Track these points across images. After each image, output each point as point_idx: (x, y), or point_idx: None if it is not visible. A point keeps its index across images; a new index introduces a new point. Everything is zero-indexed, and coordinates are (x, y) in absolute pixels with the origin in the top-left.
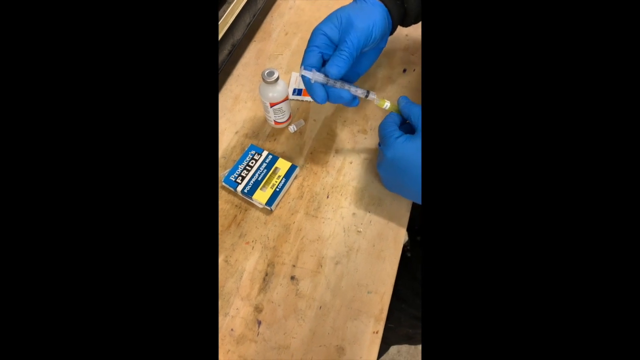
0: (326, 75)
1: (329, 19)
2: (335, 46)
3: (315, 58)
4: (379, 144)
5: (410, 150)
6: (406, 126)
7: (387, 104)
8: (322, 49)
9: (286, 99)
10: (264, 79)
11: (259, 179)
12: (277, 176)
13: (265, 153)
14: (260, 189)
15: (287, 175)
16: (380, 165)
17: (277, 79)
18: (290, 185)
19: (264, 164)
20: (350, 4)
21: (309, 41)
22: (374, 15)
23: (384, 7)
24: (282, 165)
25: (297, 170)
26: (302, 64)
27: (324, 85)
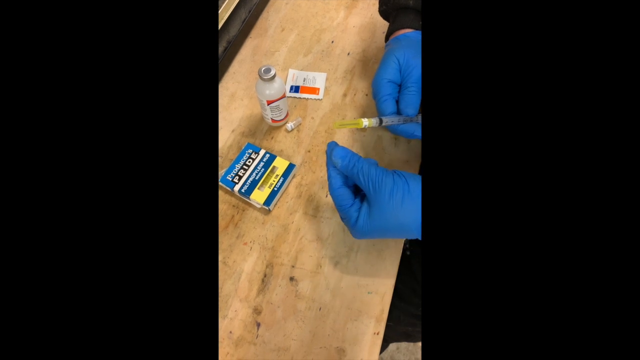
0: (400, 113)
1: (386, 64)
2: (399, 86)
3: (391, 105)
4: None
5: (376, 226)
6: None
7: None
8: (393, 95)
9: (283, 96)
10: (260, 77)
11: (257, 178)
12: (275, 175)
13: (262, 152)
14: (258, 188)
15: (285, 174)
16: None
17: (274, 76)
18: (289, 185)
19: (262, 163)
20: (395, 43)
21: (379, 91)
22: None
23: None
24: (280, 164)
25: (295, 169)
26: (379, 115)
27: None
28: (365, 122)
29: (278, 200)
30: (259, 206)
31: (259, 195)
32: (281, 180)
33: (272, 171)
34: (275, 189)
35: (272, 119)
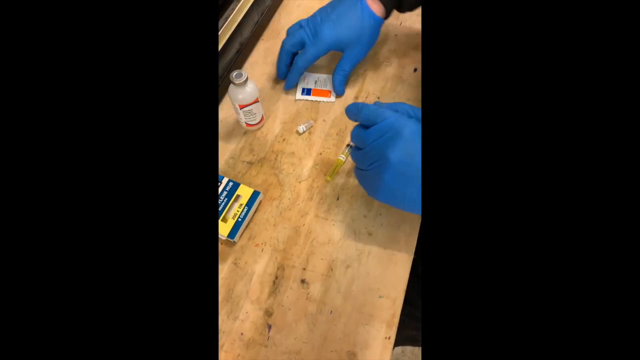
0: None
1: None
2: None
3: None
4: (359, 148)
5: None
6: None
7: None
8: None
9: (256, 100)
10: (232, 81)
11: (220, 209)
12: (238, 205)
13: (225, 180)
14: (222, 220)
15: (250, 202)
16: (380, 180)
17: (246, 80)
18: (254, 214)
19: (225, 192)
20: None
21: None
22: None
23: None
24: (244, 192)
25: (260, 197)
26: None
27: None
28: (342, 156)
29: (243, 231)
30: (223, 238)
31: (222, 228)
32: (245, 209)
33: (236, 200)
34: (240, 219)
35: (246, 123)
